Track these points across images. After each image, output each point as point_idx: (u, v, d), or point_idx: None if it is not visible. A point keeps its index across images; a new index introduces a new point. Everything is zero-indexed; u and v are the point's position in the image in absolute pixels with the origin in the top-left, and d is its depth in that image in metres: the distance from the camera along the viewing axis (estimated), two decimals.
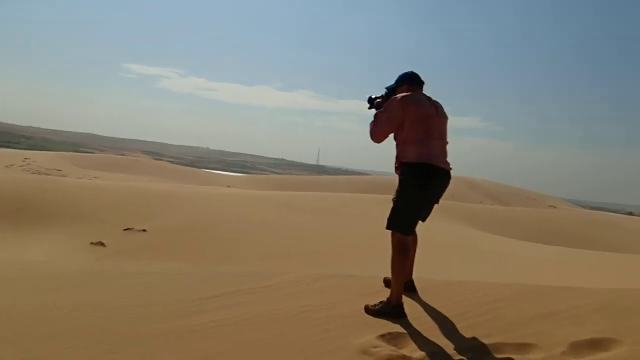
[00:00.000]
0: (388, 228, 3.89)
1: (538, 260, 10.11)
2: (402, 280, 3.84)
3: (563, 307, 3.88)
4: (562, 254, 11.53)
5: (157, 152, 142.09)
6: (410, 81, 4.10)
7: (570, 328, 3.49)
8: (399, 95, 3.98)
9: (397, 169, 4.05)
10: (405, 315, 3.77)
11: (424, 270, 4.71)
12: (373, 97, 4.28)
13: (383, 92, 4.28)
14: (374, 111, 4.22)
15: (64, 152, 55.11)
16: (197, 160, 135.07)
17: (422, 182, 3.85)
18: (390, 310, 3.77)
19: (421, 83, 4.12)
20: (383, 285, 4.47)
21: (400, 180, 3.93)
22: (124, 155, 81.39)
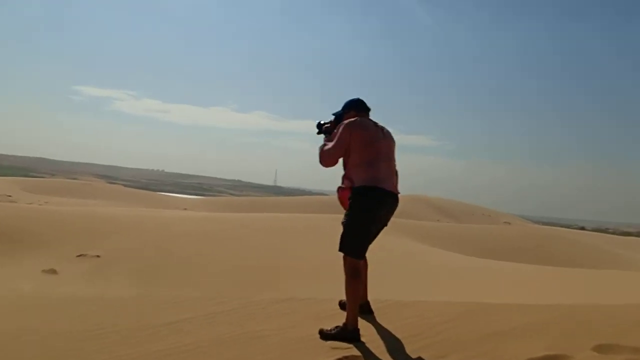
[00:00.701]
0: (340, 250, 3.92)
1: (492, 277, 10.30)
2: (356, 304, 3.86)
3: (514, 324, 3.96)
4: (516, 270, 11.76)
5: (110, 175, 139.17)
6: (357, 107, 4.21)
7: (522, 345, 3.56)
8: (346, 121, 4.04)
9: (341, 190, 4.08)
10: (360, 339, 3.78)
11: (379, 290, 4.75)
12: (322, 122, 4.35)
13: (331, 118, 4.35)
14: (322, 136, 4.30)
15: (13, 177, 53.42)
16: (152, 182, 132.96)
17: (371, 206, 3.90)
18: (346, 335, 3.78)
19: (367, 109, 4.23)
20: (339, 307, 4.48)
21: (350, 204, 3.95)
22: (76, 179, 79.41)
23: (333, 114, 4.32)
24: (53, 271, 11.89)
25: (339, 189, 4.10)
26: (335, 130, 4.09)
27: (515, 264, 13.54)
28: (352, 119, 4.05)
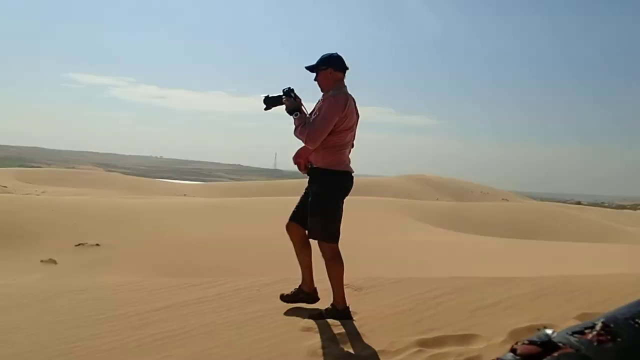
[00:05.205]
0: (316, 238, 3.83)
1: (487, 252, 10.40)
2: (342, 283, 3.85)
3: (504, 297, 4.03)
4: (511, 245, 11.89)
5: (108, 164, 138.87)
6: (336, 64, 3.88)
7: (510, 317, 3.63)
8: (333, 96, 3.79)
9: (302, 166, 3.93)
10: (351, 317, 3.83)
11: (372, 269, 4.80)
12: (270, 96, 3.99)
13: (279, 92, 3.98)
14: (276, 112, 4.02)
15: (8, 168, 53.34)
16: (151, 169, 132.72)
17: (341, 190, 3.86)
18: (338, 314, 3.80)
19: (346, 68, 3.91)
20: (330, 286, 4.50)
21: (322, 188, 3.82)
22: (73, 168, 79.35)
23: (306, 68, 3.93)
24: (52, 261, 11.97)
25: (301, 150, 3.92)
26: (319, 105, 3.85)
27: (510, 240, 13.67)
28: (340, 96, 3.80)
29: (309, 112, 3.92)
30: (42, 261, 11.92)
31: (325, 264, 3.85)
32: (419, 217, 19.94)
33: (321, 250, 3.84)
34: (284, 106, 3.94)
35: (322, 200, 3.82)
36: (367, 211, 18.95)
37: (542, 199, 67.22)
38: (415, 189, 45.77)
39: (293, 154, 3.99)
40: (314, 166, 3.86)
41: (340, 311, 3.81)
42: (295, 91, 3.95)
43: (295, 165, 4.00)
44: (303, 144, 3.87)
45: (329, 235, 3.81)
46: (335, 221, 3.83)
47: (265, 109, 4.01)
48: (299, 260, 4.05)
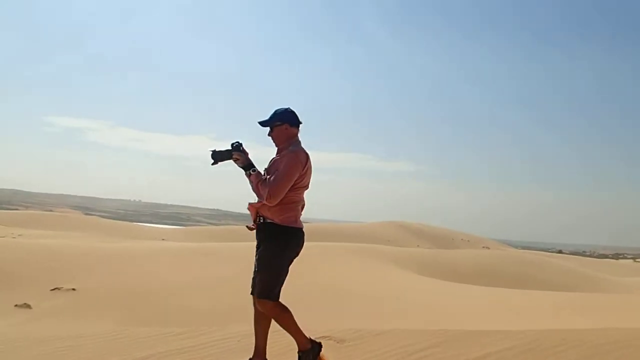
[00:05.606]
0: (267, 298, 3.65)
1: (471, 302, 10.37)
2: (297, 327, 3.70)
3: (490, 351, 4.00)
4: (495, 295, 11.87)
5: (86, 207, 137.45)
6: (291, 120, 3.82)
7: None
8: (294, 152, 3.74)
9: (254, 222, 3.81)
10: (320, 345, 3.72)
11: (354, 320, 4.75)
12: (218, 150, 3.82)
13: (227, 147, 3.83)
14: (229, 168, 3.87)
15: None
16: (129, 213, 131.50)
17: (293, 247, 3.76)
18: (310, 356, 3.70)
19: (300, 123, 3.86)
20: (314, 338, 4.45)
21: (277, 246, 3.70)
22: (51, 211, 78.30)
23: (260, 123, 3.85)
24: (27, 305, 11.68)
25: (251, 204, 3.81)
26: (276, 160, 3.79)
27: (491, 288, 13.66)
28: (301, 152, 3.76)
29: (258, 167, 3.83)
30: (16, 305, 11.63)
31: (274, 319, 3.70)
32: (399, 263, 19.90)
33: (264, 308, 3.67)
34: (231, 161, 3.82)
35: (274, 259, 3.69)
36: (346, 257, 18.87)
37: (522, 247, 67.71)
38: (395, 235, 45.83)
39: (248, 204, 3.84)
40: (268, 221, 3.73)
41: (308, 351, 3.69)
42: (243, 145, 3.84)
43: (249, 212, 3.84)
44: (257, 199, 3.77)
45: (273, 294, 3.66)
46: (280, 283, 3.69)
47: (213, 164, 3.83)
48: (257, 329, 3.84)
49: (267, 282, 3.65)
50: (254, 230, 3.82)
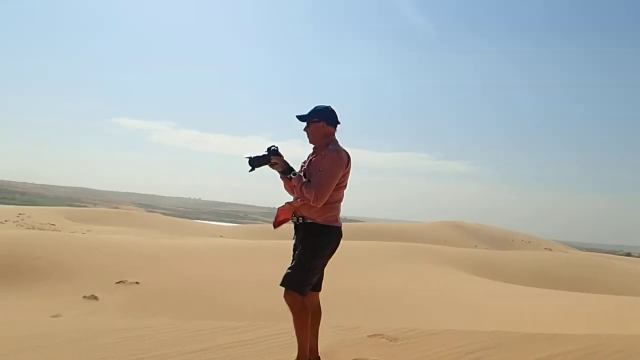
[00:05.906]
0: (285, 285, 3.64)
1: (524, 305, 10.12)
2: (306, 339, 3.69)
3: (546, 354, 3.92)
4: (553, 297, 11.53)
5: (149, 204, 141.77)
6: (330, 119, 3.81)
7: None
8: (335, 153, 3.74)
9: (279, 222, 3.86)
10: None
11: (408, 318, 4.75)
12: (255, 156, 3.81)
13: (269, 145, 3.84)
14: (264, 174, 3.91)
15: (57, 207, 55.13)
16: (189, 211, 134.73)
17: (331, 244, 3.76)
18: None
19: (338, 123, 3.86)
20: (364, 335, 4.48)
21: (318, 242, 3.71)
22: (117, 208, 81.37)
23: (297, 117, 3.86)
24: (94, 297, 12.26)
25: (286, 206, 3.85)
26: (314, 159, 3.78)
27: (552, 291, 13.27)
28: (342, 152, 3.76)
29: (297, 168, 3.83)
30: (84, 297, 12.23)
31: (294, 316, 3.64)
32: (456, 264, 19.58)
33: (293, 300, 3.63)
34: (267, 165, 3.81)
35: (314, 258, 3.70)
36: (402, 257, 18.74)
37: (587, 250, 65.16)
38: (452, 235, 45.09)
39: (280, 207, 3.88)
40: (308, 221, 3.73)
41: None
42: (279, 149, 3.83)
43: (280, 222, 3.87)
44: (295, 200, 3.80)
45: (296, 285, 3.63)
46: (311, 274, 3.69)
47: (250, 170, 3.81)
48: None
49: (302, 278, 3.64)
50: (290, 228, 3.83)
